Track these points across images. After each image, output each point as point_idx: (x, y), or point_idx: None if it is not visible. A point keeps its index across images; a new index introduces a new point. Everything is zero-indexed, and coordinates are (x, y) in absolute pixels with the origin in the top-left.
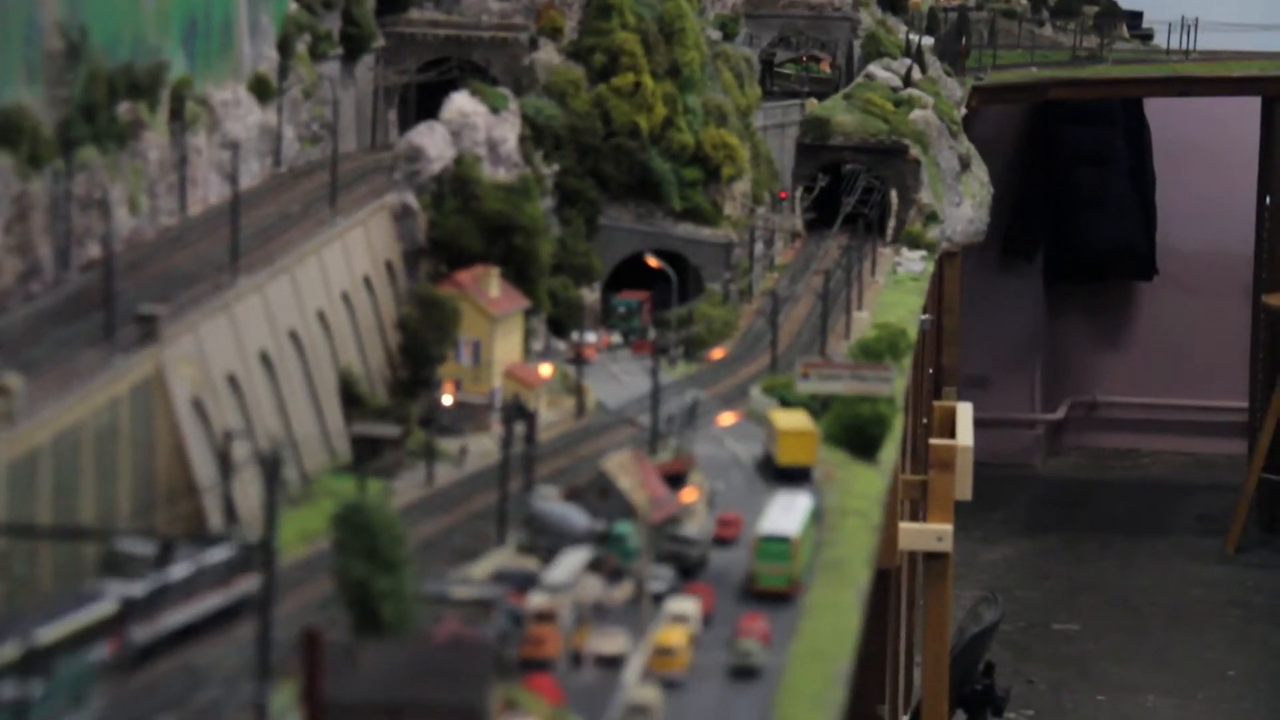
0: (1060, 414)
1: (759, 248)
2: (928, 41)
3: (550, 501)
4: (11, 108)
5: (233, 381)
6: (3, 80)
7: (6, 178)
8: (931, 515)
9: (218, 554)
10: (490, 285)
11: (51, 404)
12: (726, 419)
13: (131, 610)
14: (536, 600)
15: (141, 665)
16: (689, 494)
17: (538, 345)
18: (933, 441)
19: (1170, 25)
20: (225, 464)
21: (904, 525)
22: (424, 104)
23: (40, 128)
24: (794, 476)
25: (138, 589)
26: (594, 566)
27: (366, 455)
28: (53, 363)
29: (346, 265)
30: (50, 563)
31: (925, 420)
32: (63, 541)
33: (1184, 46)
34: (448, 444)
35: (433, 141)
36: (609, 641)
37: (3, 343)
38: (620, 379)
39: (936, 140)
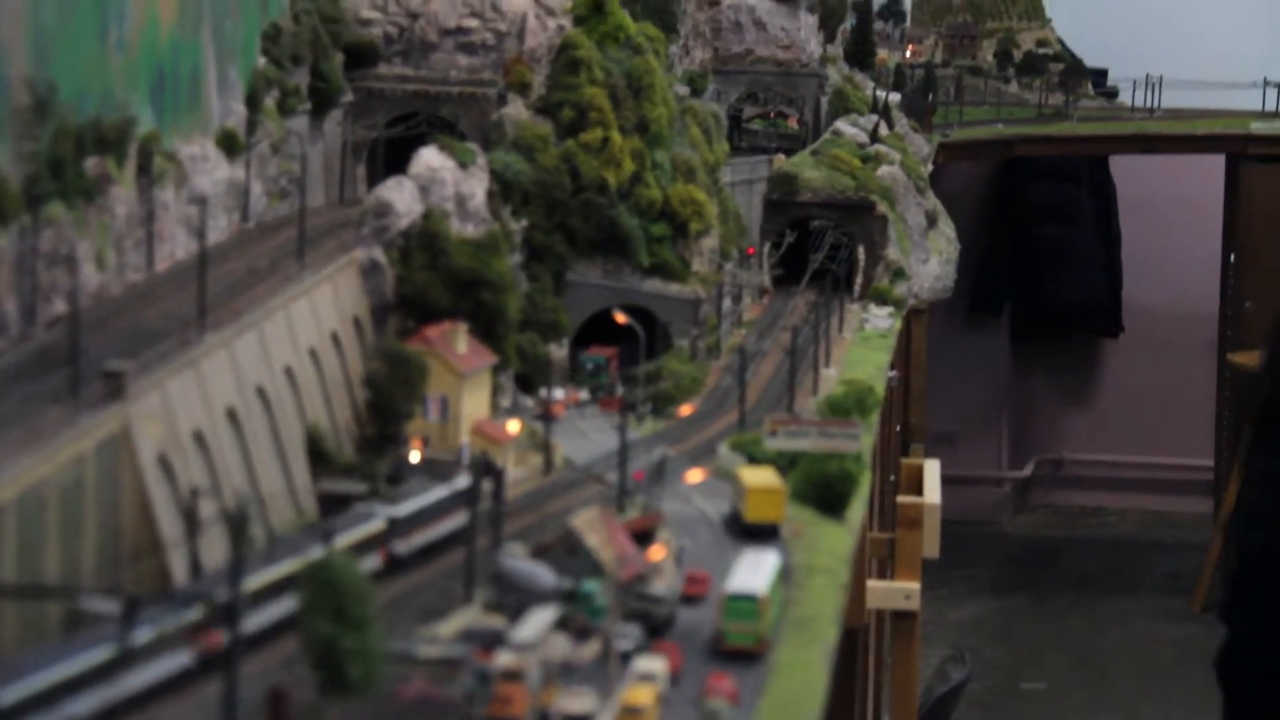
0: (1027, 471)
1: (727, 304)
2: (895, 98)
3: (517, 559)
4: None
5: (199, 438)
6: None
7: None
8: (899, 573)
9: (457, 484)
10: (458, 341)
11: (16, 461)
12: (694, 476)
13: (395, 528)
14: (504, 659)
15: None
16: (657, 551)
17: (505, 402)
18: (900, 499)
19: (1135, 83)
20: (191, 521)
21: (872, 583)
22: (392, 159)
23: (6, 183)
24: (762, 534)
25: (401, 510)
26: (561, 624)
27: (333, 512)
28: (17, 419)
29: (314, 321)
30: (15, 620)
31: (893, 477)
32: (27, 600)
33: (1149, 104)
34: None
35: (401, 197)
36: (576, 700)
37: None
38: (588, 435)
39: (904, 196)
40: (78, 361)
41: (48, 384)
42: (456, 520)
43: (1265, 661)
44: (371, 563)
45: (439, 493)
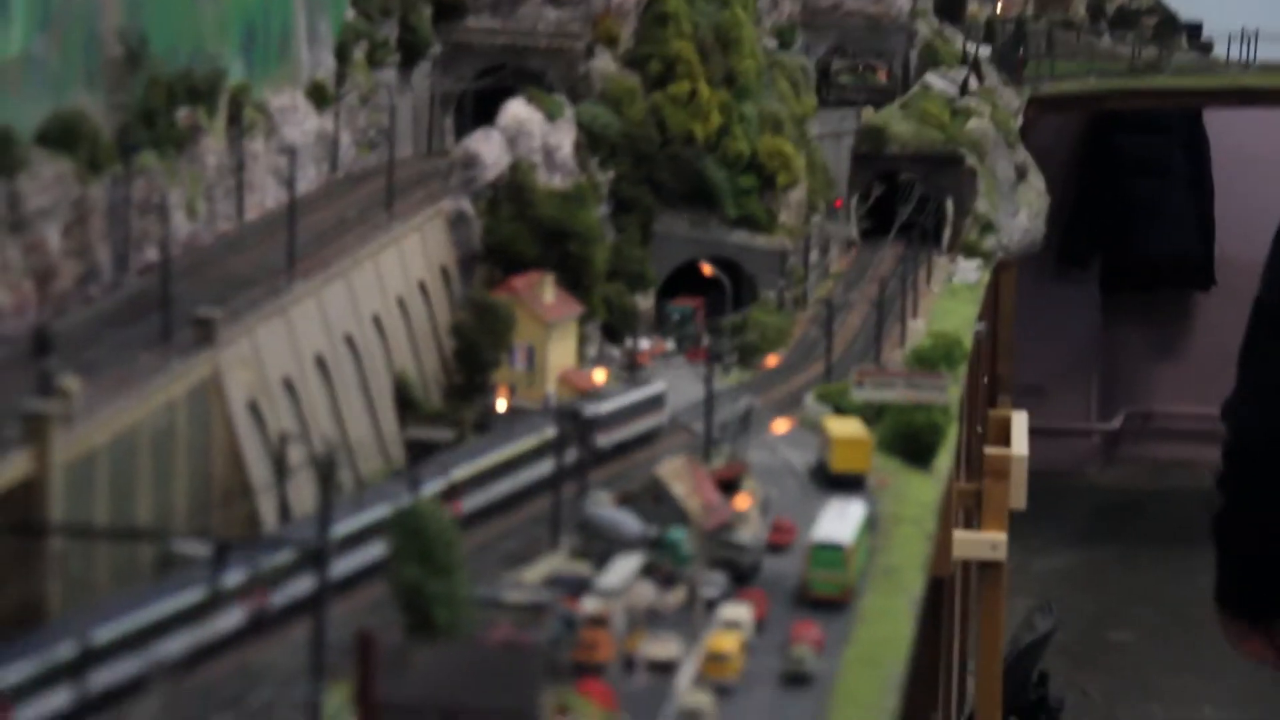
0: (1116, 424)
1: (814, 256)
2: (985, 52)
3: (604, 507)
4: (72, 113)
5: (288, 385)
6: (63, 86)
7: (66, 182)
8: (986, 524)
9: (651, 389)
10: (545, 291)
11: (109, 406)
12: (780, 426)
13: (596, 422)
14: (589, 605)
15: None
16: (742, 500)
17: (592, 351)
18: (987, 450)
19: (1230, 36)
20: (280, 467)
21: (958, 534)
22: (480, 111)
23: (100, 133)
24: (848, 484)
25: (603, 408)
26: (647, 572)
27: (420, 458)
28: (110, 365)
29: (402, 271)
30: (107, 563)
31: (980, 429)
32: (119, 542)
33: (1244, 58)
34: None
35: (489, 148)
36: (661, 647)
37: (61, 345)
38: (674, 386)
39: (993, 150)
40: (169, 309)
41: (140, 330)
42: (650, 422)
43: (1257, 526)
44: (578, 452)
45: (636, 395)
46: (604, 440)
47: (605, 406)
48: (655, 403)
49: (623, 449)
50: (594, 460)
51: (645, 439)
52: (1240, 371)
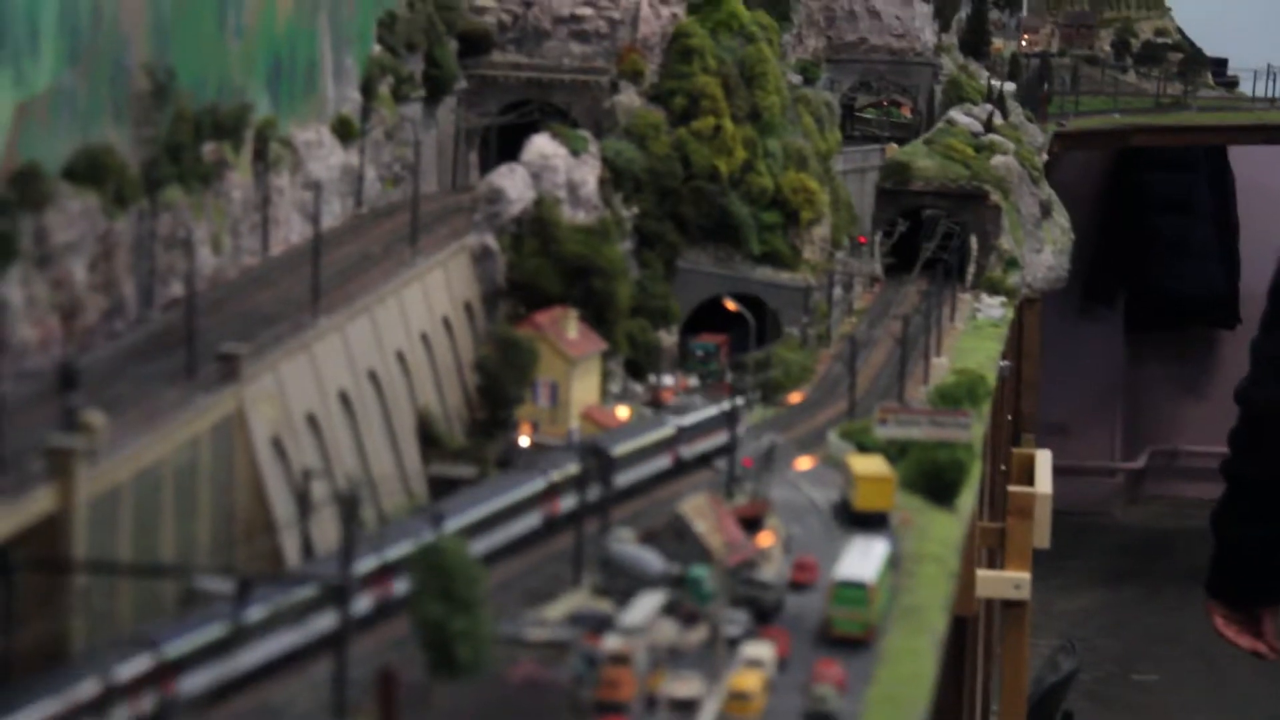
0: (1140, 463)
1: (838, 292)
2: (1010, 87)
3: (626, 544)
4: (99, 147)
5: (312, 421)
6: (91, 120)
7: (93, 216)
8: (1009, 563)
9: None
10: (568, 327)
11: (133, 441)
12: (804, 463)
13: (681, 434)
14: (612, 642)
15: None
16: (765, 538)
17: (615, 388)
18: (1011, 489)
19: (1256, 73)
20: (304, 503)
21: (981, 573)
22: (505, 146)
23: (126, 167)
24: (871, 522)
25: (687, 420)
26: (669, 610)
27: (443, 495)
28: (135, 400)
29: (426, 306)
30: (130, 599)
31: (1004, 467)
32: (143, 578)
33: (1269, 94)
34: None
35: (513, 183)
36: (684, 685)
37: (87, 380)
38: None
39: (1018, 186)
40: (194, 343)
41: (164, 365)
42: (719, 438)
43: (1256, 504)
44: (662, 463)
45: (711, 410)
46: (686, 452)
47: (688, 420)
48: (724, 420)
49: (705, 459)
50: (680, 470)
51: (716, 453)
52: (1253, 355)
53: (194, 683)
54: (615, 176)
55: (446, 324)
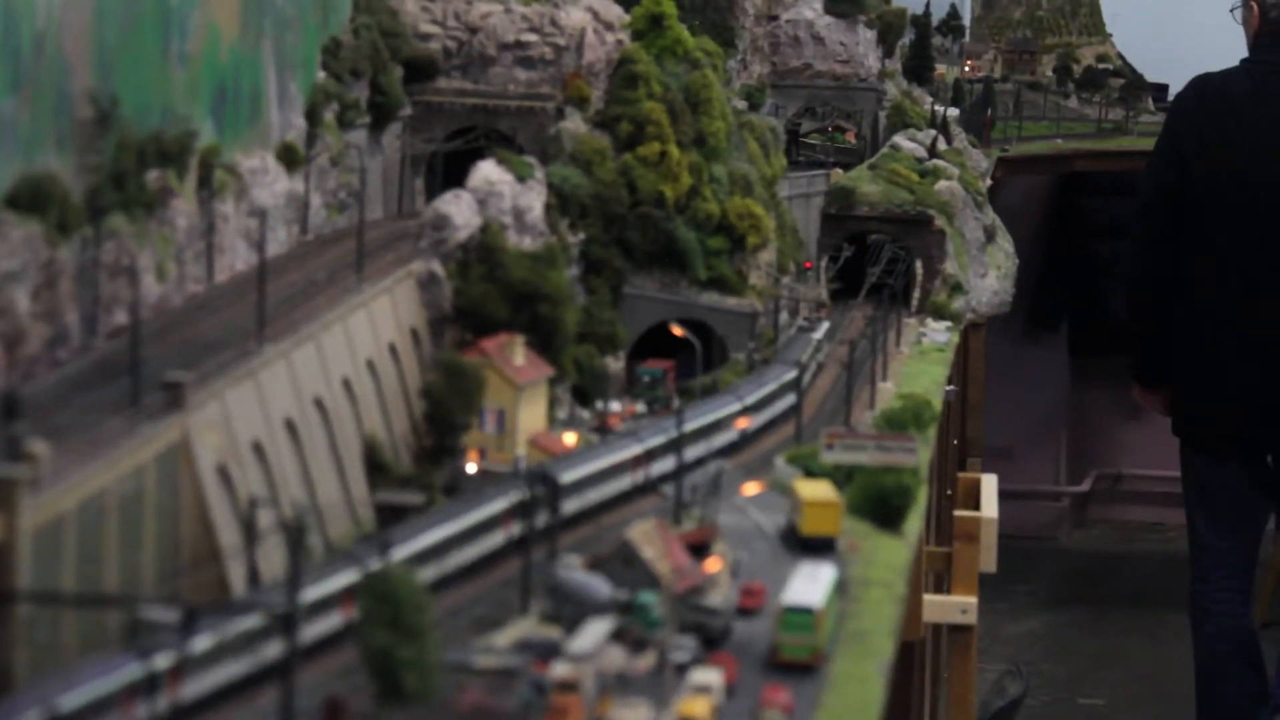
0: (1085, 486)
1: (784, 317)
2: (953, 113)
3: (573, 570)
4: (42, 175)
5: (258, 448)
6: (33, 148)
7: (35, 245)
8: (956, 588)
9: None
10: (515, 353)
11: (78, 470)
12: (750, 489)
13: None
14: (560, 669)
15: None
16: (713, 564)
17: (562, 414)
18: (957, 513)
19: None
20: (250, 531)
21: (928, 597)
22: (450, 172)
23: (69, 195)
24: (818, 547)
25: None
26: (617, 636)
27: (390, 523)
28: (79, 429)
29: (372, 333)
30: (75, 629)
31: (949, 492)
32: (87, 608)
33: None
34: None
35: (459, 210)
36: (632, 712)
37: (30, 409)
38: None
39: (961, 211)
40: (138, 372)
41: (108, 394)
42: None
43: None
44: (731, 435)
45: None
46: (749, 429)
47: (750, 399)
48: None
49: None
50: (742, 443)
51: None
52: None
53: (139, 714)
54: (561, 202)
55: (393, 351)
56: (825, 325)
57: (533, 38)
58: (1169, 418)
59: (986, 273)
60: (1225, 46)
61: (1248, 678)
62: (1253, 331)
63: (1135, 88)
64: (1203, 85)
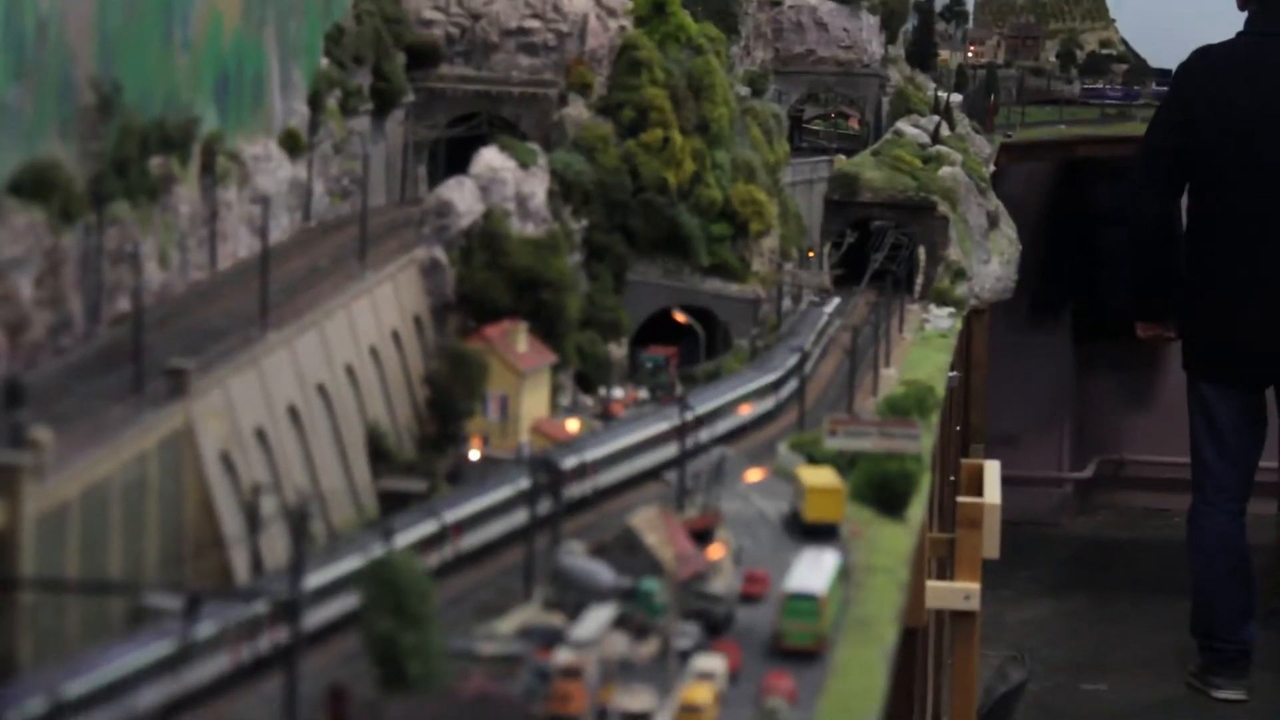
0: (1089, 472)
1: (787, 304)
2: (956, 99)
3: (576, 557)
4: (44, 162)
5: (261, 435)
6: (36, 135)
7: (39, 232)
8: (959, 574)
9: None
10: (518, 340)
11: (81, 458)
12: (753, 475)
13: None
14: (563, 656)
15: None
16: (716, 550)
17: (565, 400)
18: (960, 499)
19: None
20: (253, 518)
21: (931, 584)
22: (453, 159)
23: (72, 182)
24: (821, 533)
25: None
26: (620, 623)
27: (393, 510)
28: (82, 416)
29: (375, 320)
30: (78, 616)
31: (953, 478)
32: (91, 595)
33: None
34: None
35: (462, 196)
36: (635, 698)
37: (33, 396)
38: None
39: (965, 197)
40: (141, 359)
41: (112, 381)
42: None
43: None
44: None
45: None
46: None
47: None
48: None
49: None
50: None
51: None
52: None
53: (142, 701)
54: (564, 189)
55: (396, 338)
56: (836, 300)
57: (535, 24)
58: (1172, 344)
59: (990, 259)
60: (1228, 33)
61: (1241, 592)
62: (1261, 271)
63: (1138, 73)
64: (1206, 53)
